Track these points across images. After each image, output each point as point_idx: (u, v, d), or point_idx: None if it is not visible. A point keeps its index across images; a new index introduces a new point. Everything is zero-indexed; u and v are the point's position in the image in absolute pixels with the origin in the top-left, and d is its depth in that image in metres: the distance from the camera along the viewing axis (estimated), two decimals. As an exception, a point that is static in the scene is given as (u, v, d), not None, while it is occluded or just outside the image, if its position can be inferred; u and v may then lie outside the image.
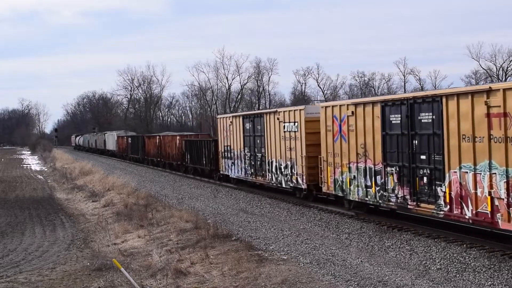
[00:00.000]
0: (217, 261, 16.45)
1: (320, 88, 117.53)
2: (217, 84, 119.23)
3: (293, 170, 26.67)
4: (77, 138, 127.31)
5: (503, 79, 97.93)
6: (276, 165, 28.40)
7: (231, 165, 34.21)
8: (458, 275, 14.25)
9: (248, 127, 31.74)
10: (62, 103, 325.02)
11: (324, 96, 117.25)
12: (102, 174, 46.29)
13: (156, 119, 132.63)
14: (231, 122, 33.87)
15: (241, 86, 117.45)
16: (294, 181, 26.70)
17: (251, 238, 19.37)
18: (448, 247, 16.72)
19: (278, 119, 27.69)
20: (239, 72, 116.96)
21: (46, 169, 66.70)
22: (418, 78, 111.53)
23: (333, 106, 23.36)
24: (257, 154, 30.56)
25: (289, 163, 26.94)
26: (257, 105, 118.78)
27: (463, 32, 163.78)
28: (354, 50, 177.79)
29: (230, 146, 34.16)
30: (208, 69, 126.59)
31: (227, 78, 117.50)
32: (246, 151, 31.88)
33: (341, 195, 23.04)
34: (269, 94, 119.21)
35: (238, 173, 33.41)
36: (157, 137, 55.75)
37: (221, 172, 36.43)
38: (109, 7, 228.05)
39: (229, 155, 34.44)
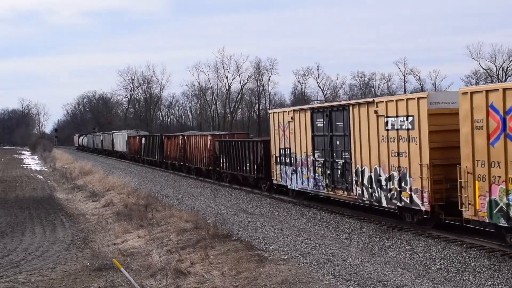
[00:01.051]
0: (217, 261, 16.45)
1: (320, 88, 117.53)
2: (217, 84, 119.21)
3: (402, 184, 19.40)
4: (81, 138, 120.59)
5: (503, 79, 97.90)
6: (370, 176, 21.13)
7: (291, 174, 26.79)
8: (458, 275, 14.25)
9: (320, 124, 24.21)
10: (62, 103, 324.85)
11: (324, 96, 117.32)
12: (102, 174, 46.28)
13: (156, 119, 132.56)
14: (291, 117, 26.30)
15: (241, 86, 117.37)
16: (405, 199, 19.37)
17: (251, 238, 19.37)
18: (448, 247, 16.71)
19: (376, 112, 20.62)
20: (239, 72, 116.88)
21: (46, 169, 66.68)
22: (418, 78, 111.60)
23: (487, 91, 15.85)
24: (337, 161, 23.20)
25: (395, 173, 19.70)
26: (257, 105, 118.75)
27: (463, 32, 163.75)
28: (354, 50, 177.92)
29: (289, 148, 26.73)
30: (208, 69, 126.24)
31: (227, 78, 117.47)
32: (316, 155, 24.45)
33: (506, 225, 15.51)
34: (269, 94, 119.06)
35: (303, 184, 25.85)
36: (180, 137, 47.53)
37: (275, 182, 28.85)
38: (109, 7, 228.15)
39: (287, 161, 26.97)
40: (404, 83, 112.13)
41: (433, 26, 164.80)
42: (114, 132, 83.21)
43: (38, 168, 69.93)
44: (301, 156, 25.81)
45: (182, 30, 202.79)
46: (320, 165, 24.35)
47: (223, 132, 43.52)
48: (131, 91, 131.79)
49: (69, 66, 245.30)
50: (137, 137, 65.94)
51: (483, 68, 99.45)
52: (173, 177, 45.61)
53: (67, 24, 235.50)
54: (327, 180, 23.92)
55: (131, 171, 53.88)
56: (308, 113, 25.03)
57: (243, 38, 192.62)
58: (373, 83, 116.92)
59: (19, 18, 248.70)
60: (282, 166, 27.75)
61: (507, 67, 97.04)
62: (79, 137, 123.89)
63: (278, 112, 28.09)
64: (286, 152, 27.18)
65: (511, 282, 13.42)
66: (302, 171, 25.87)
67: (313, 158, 24.76)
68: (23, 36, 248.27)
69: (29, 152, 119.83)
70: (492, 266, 14.71)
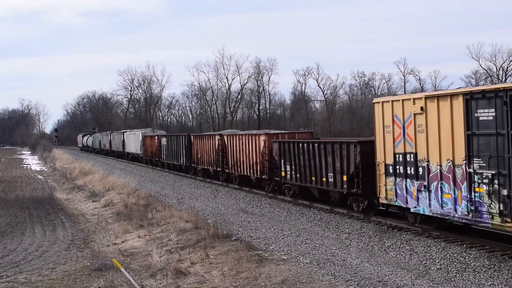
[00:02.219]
0: (217, 261, 16.45)
1: (320, 88, 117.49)
2: (217, 84, 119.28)
3: None
4: (85, 138, 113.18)
5: (503, 79, 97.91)
6: None
7: (418, 191, 18.63)
8: (458, 275, 14.25)
9: (486, 117, 15.92)
10: (62, 103, 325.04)
11: (324, 96, 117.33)
12: (102, 174, 46.28)
13: (156, 119, 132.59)
14: (421, 108, 18.37)
15: (241, 86, 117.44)
16: None
17: (251, 238, 19.37)
18: (448, 247, 16.72)
19: None
20: (239, 72, 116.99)
21: (46, 169, 66.68)
22: (418, 78, 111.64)
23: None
24: None
25: None
26: (257, 105, 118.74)
27: (463, 32, 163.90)
28: (354, 50, 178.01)
29: (414, 154, 18.76)
30: (208, 69, 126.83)
31: (227, 78, 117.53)
32: (476, 165, 16.20)
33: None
34: (269, 94, 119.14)
35: (442, 207, 17.63)
36: (217, 137, 37.82)
37: (383, 201, 20.36)
38: (109, 7, 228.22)
39: (411, 172, 19.00)
40: (404, 83, 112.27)
41: (433, 26, 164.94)
42: (126, 131, 74.10)
43: (38, 168, 69.92)
44: (439, 165, 17.64)
45: (182, 30, 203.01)
46: (484, 181, 15.99)
47: (276, 131, 33.51)
48: (131, 91, 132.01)
49: (69, 66, 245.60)
50: (155, 137, 56.15)
51: (483, 68, 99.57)
52: (173, 177, 45.61)
53: (66, 24, 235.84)
54: (500, 205, 15.44)
55: (131, 171, 53.88)
56: (460, 101, 16.68)
57: (243, 38, 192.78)
58: (373, 83, 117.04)
59: (19, 18, 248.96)
60: (398, 179, 19.61)
61: (507, 67, 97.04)
62: (83, 137, 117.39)
63: (393, 101, 19.75)
64: (408, 159, 19.11)
65: (511, 282, 13.42)
66: (441, 189, 17.66)
67: (469, 170, 16.45)
68: (23, 36, 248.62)
69: (29, 152, 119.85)
70: (492, 266, 14.71)
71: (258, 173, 31.24)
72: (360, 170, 21.62)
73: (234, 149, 34.65)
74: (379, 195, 20.48)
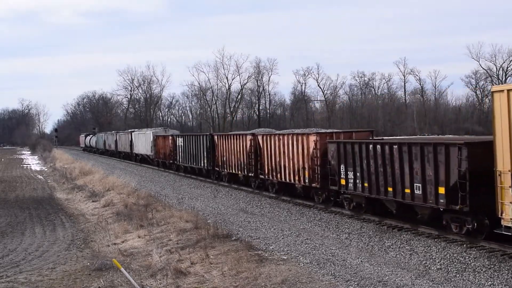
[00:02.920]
0: (217, 261, 16.45)
1: (320, 88, 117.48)
2: (217, 84, 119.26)
3: None
4: (88, 138, 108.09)
5: (503, 79, 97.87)
6: None
7: None
8: (458, 275, 14.25)
9: None
10: (62, 103, 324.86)
11: (324, 96, 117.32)
12: (102, 174, 46.29)
13: (156, 119, 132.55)
14: None
15: (241, 86, 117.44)
16: None
17: (251, 238, 19.37)
18: (448, 247, 16.72)
19: None
20: (239, 72, 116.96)
21: (46, 169, 66.68)
22: (418, 78, 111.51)
23: None
24: None
25: None
26: (257, 105, 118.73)
27: (463, 32, 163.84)
28: (354, 50, 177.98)
29: None
30: (208, 69, 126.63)
31: (227, 78, 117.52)
32: None
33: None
34: (269, 94, 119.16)
35: None
36: (249, 137, 32.44)
37: (506, 224, 15.46)
38: (109, 7, 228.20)
39: None
40: (404, 83, 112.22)
41: (433, 26, 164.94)
42: (134, 131, 68.43)
43: (38, 168, 69.92)
44: None
45: (182, 30, 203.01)
46: None
47: (328, 130, 28.63)
48: (131, 91, 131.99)
49: (69, 66, 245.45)
50: (169, 137, 50.23)
51: (483, 68, 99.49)
52: (173, 177, 45.58)
53: (66, 24, 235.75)
54: None
55: (131, 171, 53.87)
56: None
57: (243, 38, 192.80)
58: (373, 83, 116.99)
59: (18, 18, 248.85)
60: None
61: (507, 67, 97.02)
62: (85, 136, 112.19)
63: None
64: None
65: (511, 282, 13.42)
66: None
67: None
68: (23, 36, 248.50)
69: (29, 152, 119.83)
70: (492, 266, 14.71)
71: (306, 181, 25.80)
72: (467, 181, 16.62)
73: (271, 151, 29.26)
74: (502, 215, 15.35)
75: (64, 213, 30.85)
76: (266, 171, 30.09)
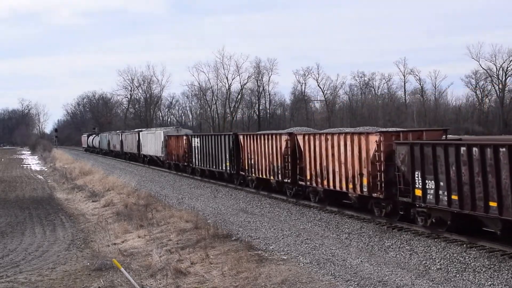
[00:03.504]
0: (217, 261, 16.45)
1: (320, 88, 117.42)
2: (217, 84, 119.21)
3: None
4: (91, 138, 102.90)
5: (503, 79, 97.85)
6: None
7: None
8: (458, 275, 14.25)
9: None
10: (62, 103, 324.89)
11: (324, 96, 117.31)
12: (102, 174, 46.28)
13: (156, 119, 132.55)
14: None
15: (241, 86, 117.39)
16: None
17: (251, 238, 19.37)
18: (448, 247, 16.72)
19: None
20: (239, 72, 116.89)
21: (46, 169, 66.68)
22: (418, 78, 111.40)
23: None
24: None
25: None
26: (257, 105, 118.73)
27: (463, 32, 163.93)
28: (354, 50, 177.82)
29: None
30: (208, 69, 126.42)
31: (227, 78, 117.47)
32: None
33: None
34: (269, 94, 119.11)
35: None
36: (285, 137, 27.73)
37: None
38: (109, 7, 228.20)
39: None
40: (404, 83, 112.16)
41: (433, 26, 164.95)
42: (142, 130, 64.11)
43: (38, 168, 69.92)
44: None
45: (182, 30, 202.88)
46: None
47: (392, 129, 24.01)
48: (131, 91, 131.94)
49: (69, 66, 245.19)
50: (184, 137, 45.27)
51: (483, 68, 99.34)
52: (173, 177, 45.58)
53: (66, 24, 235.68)
54: None
55: (131, 171, 53.85)
56: None
57: (243, 38, 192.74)
58: (373, 83, 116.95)
59: (18, 18, 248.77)
60: None
61: (507, 67, 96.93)
62: (88, 136, 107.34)
63: None
64: None
65: (511, 282, 13.42)
66: None
67: None
68: (22, 36, 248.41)
69: (29, 152, 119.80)
70: (492, 266, 14.71)
71: (364, 189, 21.62)
72: None
73: (315, 153, 24.88)
74: None
75: (64, 213, 30.85)
76: (308, 177, 25.48)
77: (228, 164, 35.13)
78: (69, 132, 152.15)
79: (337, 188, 23.42)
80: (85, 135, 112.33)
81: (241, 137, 33.64)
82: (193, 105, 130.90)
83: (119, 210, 27.83)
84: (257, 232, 20.59)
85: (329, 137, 24.00)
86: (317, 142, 24.79)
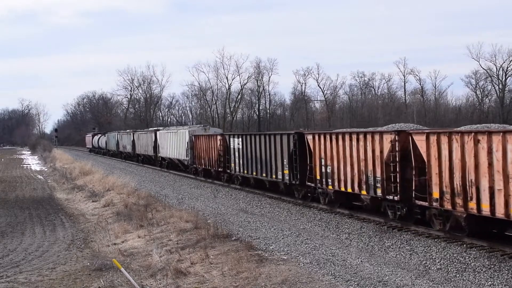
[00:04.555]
0: (217, 261, 16.44)
1: (320, 88, 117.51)
2: (217, 84, 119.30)
3: None
4: (96, 138, 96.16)
5: (503, 79, 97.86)
6: None
7: None
8: (458, 275, 14.25)
9: None
10: (62, 103, 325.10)
11: (324, 96, 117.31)
12: (102, 174, 46.26)
13: (156, 119, 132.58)
14: None
15: (241, 86, 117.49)
16: None
17: (251, 238, 19.36)
18: (448, 247, 16.72)
19: None
20: (239, 72, 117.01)
21: (46, 169, 66.67)
22: (418, 78, 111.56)
23: None
24: None
25: None
26: (257, 105, 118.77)
27: (463, 32, 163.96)
28: (354, 50, 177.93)
29: None
30: (208, 69, 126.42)
31: (227, 78, 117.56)
32: None
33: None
34: (269, 94, 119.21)
35: None
36: (386, 136, 20.29)
37: None
38: (109, 7, 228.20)
39: None
40: (404, 83, 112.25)
41: (433, 26, 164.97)
42: (160, 130, 55.92)
43: (38, 168, 69.92)
44: None
45: (182, 30, 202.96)
46: None
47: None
48: (131, 91, 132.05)
49: (69, 66, 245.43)
50: (219, 137, 37.34)
51: (483, 68, 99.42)
52: (173, 177, 45.56)
53: (66, 24, 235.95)
54: None
55: (131, 171, 53.85)
56: None
57: (243, 38, 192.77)
58: (373, 83, 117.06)
59: (17, 18, 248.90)
60: None
61: (507, 67, 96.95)
62: (93, 136, 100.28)
63: None
64: None
65: (511, 282, 13.42)
66: None
67: None
68: (22, 36, 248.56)
69: (29, 152, 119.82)
70: (492, 266, 14.71)
71: None
72: None
73: (450, 158, 17.13)
74: None
75: (64, 213, 30.85)
76: (444, 193, 17.43)
77: (287, 172, 27.38)
78: (69, 132, 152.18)
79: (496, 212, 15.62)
80: (90, 135, 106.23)
81: (309, 137, 25.53)
82: (193, 105, 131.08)
83: (119, 210, 27.82)
84: (257, 232, 20.58)
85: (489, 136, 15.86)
86: (452, 144, 17.12)
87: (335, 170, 23.27)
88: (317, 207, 24.96)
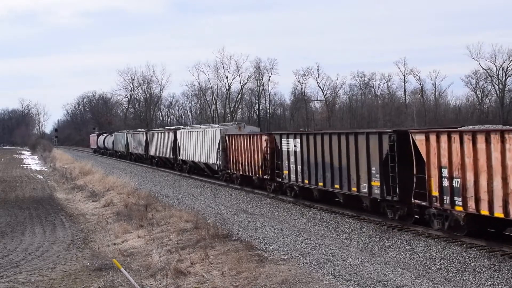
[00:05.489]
0: (217, 261, 16.45)
1: (320, 88, 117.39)
2: (217, 84, 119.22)
3: None
4: (102, 137, 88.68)
5: (503, 79, 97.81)
6: None
7: None
8: (458, 275, 14.25)
9: None
10: (62, 103, 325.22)
11: (324, 96, 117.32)
12: (102, 174, 46.25)
13: (156, 119, 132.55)
14: None
15: (241, 86, 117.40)
16: None
17: (251, 238, 19.36)
18: (448, 247, 16.72)
19: None
20: (239, 72, 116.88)
21: (46, 169, 66.67)
22: (418, 78, 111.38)
23: None
24: None
25: None
26: (257, 105, 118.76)
27: (463, 32, 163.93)
28: (354, 50, 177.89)
29: None
30: (208, 69, 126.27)
31: (227, 78, 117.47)
32: None
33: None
34: (269, 94, 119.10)
35: None
36: None
37: None
38: (109, 7, 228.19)
39: None
40: (404, 83, 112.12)
41: (433, 26, 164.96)
42: (180, 129, 49.25)
43: (38, 168, 69.91)
44: None
45: (182, 30, 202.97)
46: None
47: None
48: (131, 91, 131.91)
49: (69, 66, 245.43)
50: (265, 138, 30.21)
51: (483, 68, 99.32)
52: (173, 177, 45.52)
53: (66, 24, 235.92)
54: None
55: (131, 171, 53.82)
56: None
57: (243, 38, 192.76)
58: (373, 83, 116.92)
59: (17, 18, 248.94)
60: None
61: (507, 67, 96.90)
62: (98, 136, 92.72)
63: None
64: None
65: (511, 282, 13.42)
66: None
67: None
68: (22, 36, 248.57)
69: (29, 152, 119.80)
70: (492, 266, 14.71)
71: None
72: None
73: None
74: None
75: (64, 213, 30.85)
76: None
77: (376, 183, 20.90)
78: (69, 132, 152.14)
79: None
80: (95, 134, 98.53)
81: (418, 137, 18.64)
82: (193, 105, 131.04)
83: (119, 210, 27.82)
84: (257, 232, 20.58)
85: None
86: None
87: (469, 184, 16.58)
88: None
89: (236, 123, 40.72)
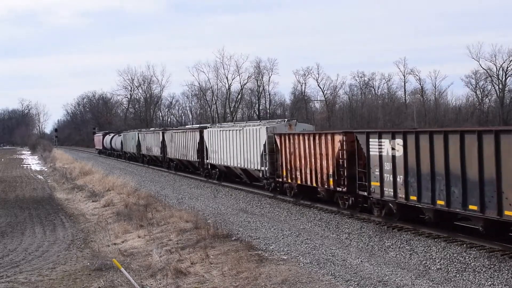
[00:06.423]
0: (217, 261, 16.45)
1: (320, 88, 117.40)
2: (217, 84, 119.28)
3: None
4: (108, 137, 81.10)
5: (503, 79, 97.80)
6: None
7: None
8: (458, 275, 14.25)
9: None
10: (62, 103, 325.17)
11: (324, 96, 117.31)
12: (102, 174, 46.26)
13: (156, 119, 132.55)
14: None
15: (241, 86, 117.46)
16: None
17: (251, 238, 19.37)
18: (448, 247, 16.72)
19: None
20: (239, 72, 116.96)
21: (46, 169, 66.66)
22: (418, 78, 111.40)
23: None
24: None
25: None
26: (257, 105, 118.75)
27: (463, 32, 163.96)
28: (354, 50, 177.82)
29: None
30: (208, 69, 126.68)
31: (227, 78, 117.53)
32: None
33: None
34: (269, 94, 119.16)
35: None
36: None
37: None
38: (108, 7, 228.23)
39: None
40: (404, 83, 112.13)
41: (433, 26, 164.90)
42: (208, 127, 41.27)
43: (38, 168, 69.90)
44: None
45: (182, 30, 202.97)
46: None
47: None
48: (131, 91, 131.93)
49: (69, 66, 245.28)
50: (337, 137, 23.26)
51: (483, 68, 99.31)
52: (173, 177, 45.51)
53: (66, 24, 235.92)
54: None
55: (131, 171, 53.81)
56: None
57: (243, 38, 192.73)
58: (373, 83, 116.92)
59: (17, 18, 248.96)
60: None
61: (507, 67, 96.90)
62: (104, 136, 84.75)
63: None
64: None
65: (511, 282, 13.42)
66: None
67: None
68: (22, 36, 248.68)
69: (29, 152, 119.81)
70: (492, 266, 14.71)
71: None
72: None
73: None
74: None
75: (64, 213, 30.85)
76: None
77: None
78: (69, 132, 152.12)
79: None
80: (100, 134, 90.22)
81: None
82: (193, 105, 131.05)
83: (119, 210, 27.83)
84: (257, 232, 20.58)
85: None
86: None
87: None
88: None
89: (286, 120, 32.84)
